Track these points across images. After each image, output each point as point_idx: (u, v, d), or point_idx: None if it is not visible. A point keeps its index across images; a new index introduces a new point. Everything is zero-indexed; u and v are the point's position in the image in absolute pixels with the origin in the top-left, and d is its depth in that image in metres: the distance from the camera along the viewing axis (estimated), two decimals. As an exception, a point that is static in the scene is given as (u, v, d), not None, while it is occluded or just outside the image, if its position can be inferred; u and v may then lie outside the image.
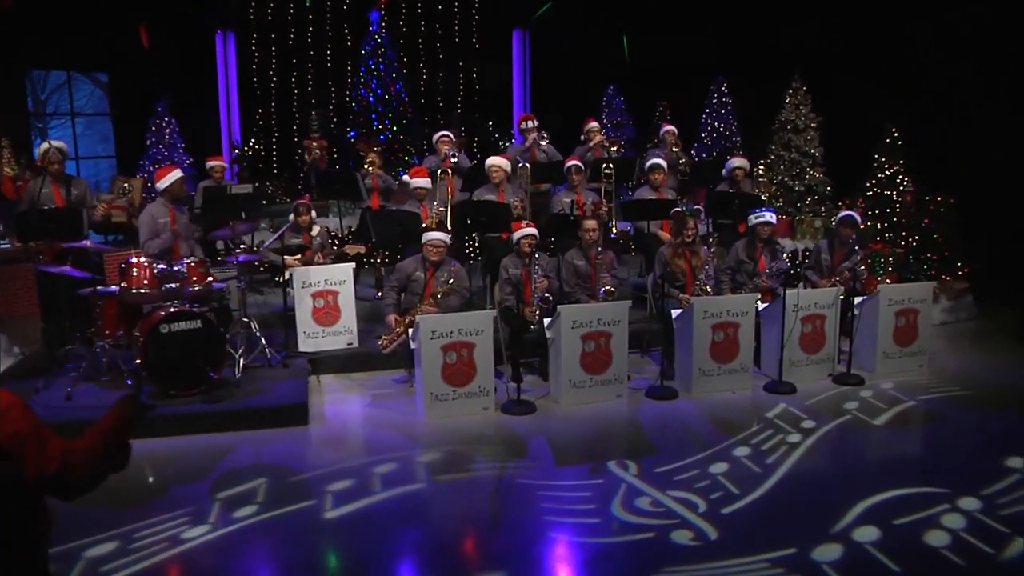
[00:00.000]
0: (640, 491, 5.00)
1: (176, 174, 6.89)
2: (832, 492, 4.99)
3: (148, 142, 11.15)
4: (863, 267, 7.25)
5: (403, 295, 6.92)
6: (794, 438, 5.79)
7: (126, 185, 9.66)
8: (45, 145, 7.34)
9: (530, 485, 5.11)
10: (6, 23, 9.51)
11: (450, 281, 6.73)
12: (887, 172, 8.92)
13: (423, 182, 8.13)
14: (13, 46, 9.86)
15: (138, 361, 6.09)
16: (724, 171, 8.87)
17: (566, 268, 7.28)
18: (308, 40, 12.75)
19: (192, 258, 6.49)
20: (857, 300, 7.19)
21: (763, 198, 8.54)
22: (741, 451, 5.59)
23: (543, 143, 9.11)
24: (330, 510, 4.84)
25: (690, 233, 7.22)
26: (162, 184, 6.85)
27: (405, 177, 8.41)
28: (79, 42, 10.58)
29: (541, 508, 4.81)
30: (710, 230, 9.06)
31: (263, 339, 6.97)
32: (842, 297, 7.11)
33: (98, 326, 6.40)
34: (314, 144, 11.29)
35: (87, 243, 6.27)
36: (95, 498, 4.88)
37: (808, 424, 6.06)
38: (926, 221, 8.69)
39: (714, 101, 11.65)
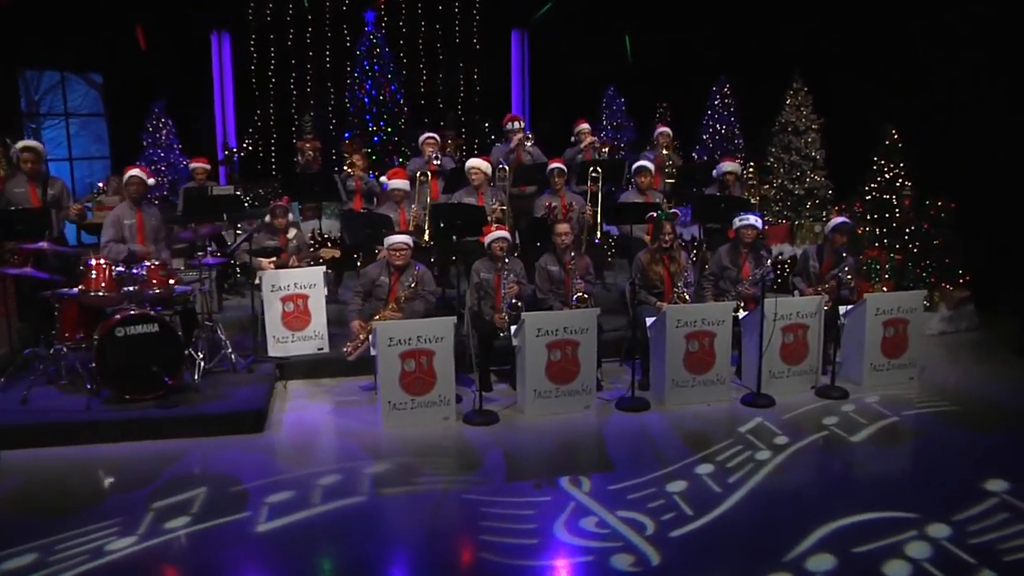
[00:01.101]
0: (588, 510, 4.76)
1: (131, 175, 6.79)
2: (793, 515, 4.71)
3: (144, 143, 11.11)
4: (850, 276, 6.91)
5: (369, 301, 6.76)
6: (763, 455, 5.51)
7: (104, 187, 9.61)
8: (19, 144, 7.28)
9: (474, 501, 4.90)
10: (-1, 23, 9.55)
11: (411, 285, 6.55)
12: (887, 175, 8.55)
13: (400, 184, 7.96)
14: (6, 46, 9.87)
15: (93, 365, 6.00)
16: (715, 174, 8.57)
17: (539, 273, 7.06)
18: (307, 40, 12.65)
19: (152, 261, 6.37)
20: (843, 309, 6.89)
21: (752, 202, 8.21)
22: (704, 468, 5.32)
23: (528, 144, 8.88)
24: (262, 523, 4.67)
25: (667, 238, 6.96)
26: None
27: (383, 179, 8.23)
28: (73, 42, 10.57)
29: (480, 526, 4.60)
30: (701, 235, 8.81)
31: (228, 343, 6.85)
32: (826, 307, 6.81)
33: (57, 328, 6.32)
34: (307, 146, 11.22)
35: (44, 245, 6.16)
36: (22, 506, 4.88)
37: (781, 440, 5.77)
38: (925, 226, 8.33)
39: (716, 102, 11.33)
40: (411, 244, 6.73)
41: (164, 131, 11.13)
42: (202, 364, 6.51)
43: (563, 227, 7.04)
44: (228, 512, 4.79)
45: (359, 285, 6.80)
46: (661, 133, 9.39)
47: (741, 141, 11.27)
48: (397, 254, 6.62)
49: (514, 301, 6.67)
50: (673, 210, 7.32)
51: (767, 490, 5.02)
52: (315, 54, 12.68)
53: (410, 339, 6.02)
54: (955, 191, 8.41)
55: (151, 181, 7.03)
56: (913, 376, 6.90)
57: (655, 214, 7.14)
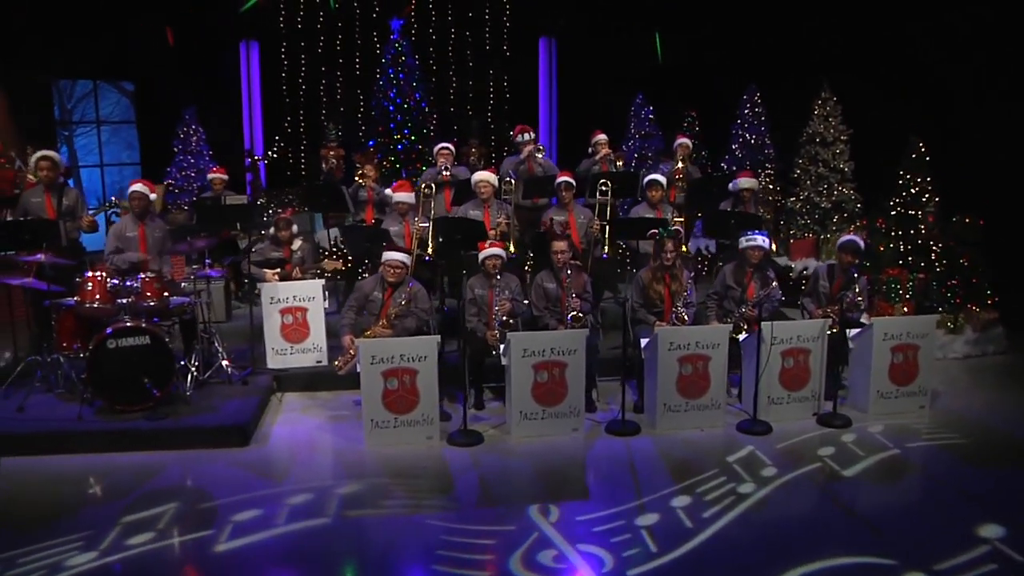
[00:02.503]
0: (550, 542, 4.64)
1: (133, 190, 6.91)
2: (762, 557, 4.50)
3: (175, 149, 11.34)
4: (860, 297, 6.61)
5: (362, 316, 6.74)
6: (746, 488, 5.30)
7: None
8: (37, 154, 7.47)
9: (437, 527, 4.82)
10: (34, 34, 9.83)
11: (403, 302, 6.51)
12: (912, 190, 8.18)
13: (404, 196, 7.91)
14: (41, 56, 10.17)
15: (83, 376, 6.12)
16: (731, 188, 8.32)
17: (535, 291, 6.95)
18: (337, 48, 12.74)
19: (147, 273, 6.47)
20: (851, 333, 6.60)
21: (767, 218, 7.94)
22: (680, 500, 5.14)
23: (539, 156, 8.76)
24: (222, 542, 4.68)
25: (669, 256, 6.78)
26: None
27: (388, 191, 8.21)
28: (105, 52, 10.84)
29: (435, 555, 4.52)
30: (716, 251, 8.57)
31: (224, 355, 6.91)
32: (832, 330, 6.53)
33: (55, 338, 6.46)
34: (331, 153, 11.29)
35: (41, 257, 6.29)
36: (-2, 517, 4.97)
37: (768, 472, 5.54)
38: (951, 243, 7.93)
39: (746, 111, 11.02)
40: (407, 263, 6.69)
41: (195, 138, 11.33)
42: (195, 376, 6.58)
43: (560, 244, 6.91)
44: (192, 529, 4.82)
45: (352, 299, 6.78)
46: (680, 144, 9.17)
47: (772, 151, 10.94)
48: (392, 271, 6.59)
49: (505, 319, 6.58)
50: (676, 227, 7.11)
51: (741, 528, 4.82)
52: (345, 62, 12.76)
53: (393, 357, 5.98)
54: (983, 207, 7.99)
55: (153, 196, 7.13)
56: (924, 405, 6.57)
57: (656, 231, 6.95)
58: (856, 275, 6.84)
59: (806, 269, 9.20)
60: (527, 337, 6.20)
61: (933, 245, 8.01)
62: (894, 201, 8.28)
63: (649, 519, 4.91)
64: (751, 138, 10.95)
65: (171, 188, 11.06)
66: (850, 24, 10.00)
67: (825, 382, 6.56)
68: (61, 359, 6.45)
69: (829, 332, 6.54)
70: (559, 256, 6.85)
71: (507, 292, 6.77)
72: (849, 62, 9.87)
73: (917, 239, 8.12)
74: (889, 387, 6.50)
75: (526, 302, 7.01)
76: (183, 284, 7.20)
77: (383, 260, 6.64)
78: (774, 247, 8.09)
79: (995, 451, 5.88)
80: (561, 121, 13.10)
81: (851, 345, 6.61)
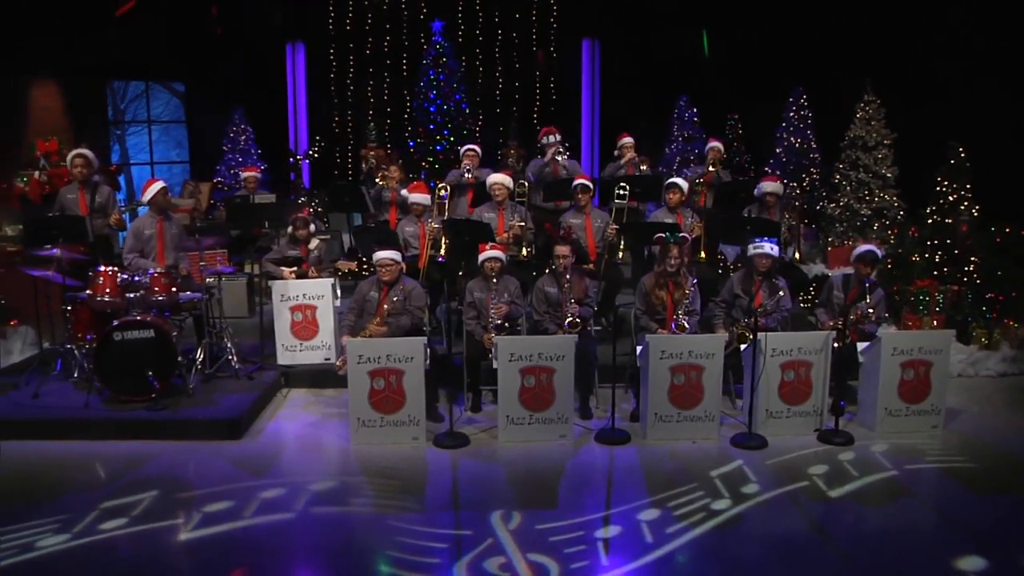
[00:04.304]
0: (501, 550, 4.59)
1: (157, 186, 7.17)
2: None
3: (224, 148, 11.73)
4: (872, 309, 6.31)
5: (363, 317, 6.82)
6: (721, 505, 5.12)
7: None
8: (72, 152, 7.83)
9: (396, 528, 4.83)
10: (88, 36, 10.33)
11: (395, 299, 6.55)
12: (951, 197, 7.75)
13: (420, 198, 7.98)
14: (96, 59, 10.68)
15: (90, 366, 6.39)
16: (756, 193, 8.06)
17: (536, 295, 6.89)
18: (385, 49, 12.93)
19: (158, 269, 6.70)
20: (862, 346, 6.31)
21: (792, 224, 7.65)
22: (648, 514, 5.01)
23: (561, 158, 8.69)
24: (188, 531, 4.81)
25: (673, 262, 6.62)
26: (146, 196, 7.16)
27: (404, 192, 8.29)
28: (158, 54, 11.30)
29: (384, 556, 4.54)
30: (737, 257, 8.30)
31: (232, 350, 7.10)
32: (840, 343, 6.25)
33: (70, 330, 6.77)
34: (371, 153, 11.46)
35: (56, 251, 6.59)
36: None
37: (750, 489, 5.34)
38: (988, 254, 7.48)
39: (791, 114, 10.65)
40: (399, 260, 6.74)
41: (243, 137, 11.69)
42: (199, 369, 6.79)
43: (563, 249, 6.83)
44: (163, 518, 4.97)
45: (353, 301, 6.87)
46: (711, 148, 8.95)
47: (817, 155, 10.55)
48: (384, 269, 6.64)
49: (500, 322, 6.56)
50: (683, 234, 6.93)
51: (701, 547, 4.65)
52: (392, 63, 12.94)
53: (379, 357, 6.03)
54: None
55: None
56: (937, 424, 6.22)
57: (663, 235, 6.80)
58: (869, 286, 6.53)
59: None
60: (514, 341, 6.16)
61: (970, 256, 7.56)
62: (930, 209, 7.87)
63: (610, 531, 4.81)
64: (796, 142, 10.58)
65: (219, 186, 11.45)
66: (896, 23, 9.54)
67: (832, 397, 6.30)
68: (75, 349, 6.74)
69: (838, 345, 6.27)
70: (561, 260, 6.78)
71: (505, 295, 6.75)
72: (894, 63, 9.42)
73: (953, 249, 7.68)
74: (898, 405, 6.17)
75: (528, 308, 6.97)
76: (208, 280, 7.42)
77: (375, 259, 6.71)
78: (797, 255, 7.77)
79: (1003, 478, 5.51)
80: (603, 123, 12.95)
81: (861, 359, 6.32)
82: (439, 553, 4.57)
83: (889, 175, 9.07)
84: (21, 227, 7.87)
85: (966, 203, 7.75)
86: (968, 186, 7.76)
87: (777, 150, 10.77)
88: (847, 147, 9.26)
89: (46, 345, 7.18)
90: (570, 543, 4.66)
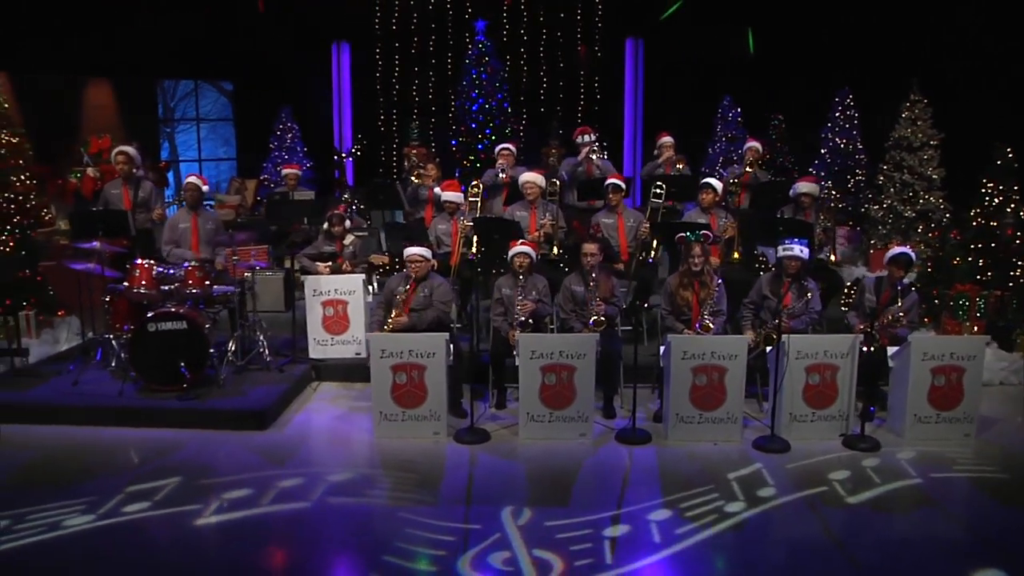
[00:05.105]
0: (507, 545, 4.62)
1: (186, 182, 7.38)
2: (721, 577, 4.32)
3: (271, 146, 11.99)
4: (903, 313, 6.15)
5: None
6: (734, 507, 5.05)
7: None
8: (116, 149, 8.12)
9: (406, 520, 4.90)
10: (140, 37, 10.69)
11: (422, 295, 6.62)
12: (996, 200, 7.51)
13: (452, 196, 8.04)
14: (148, 59, 11.03)
15: (125, 355, 6.61)
16: (791, 194, 7.92)
17: (563, 294, 6.89)
18: (431, 48, 13.06)
19: (192, 262, 6.90)
20: (892, 351, 6.16)
21: (828, 225, 7.50)
22: (659, 514, 4.98)
23: (594, 157, 8.66)
24: (206, 517, 4.95)
25: (697, 261, 6.55)
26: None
27: (437, 190, 8.36)
28: (206, 53, 11.60)
29: (392, 547, 4.60)
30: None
31: (264, 343, 7.25)
32: (863, 348, 6.10)
33: (108, 321, 7.01)
34: (413, 152, 11.58)
35: (96, 244, 6.83)
36: (24, 477, 5.45)
37: (766, 492, 5.26)
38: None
39: (836, 114, 10.43)
40: (428, 256, 6.81)
41: (290, 135, 11.94)
42: (231, 361, 6.96)
43: (590, 247, 6.81)
44: (184, 503, 5.12)
45: (381, 296, 6.96)
46: (749, 148, 8.83)
47: (863, 156, 10.31)
48: (413, 265, 6.72)
49: (525, 318, 6.58)
50: (706, 233, 6.84)
51: (706, 550, 4.60)
52: (436, 62, 13.07)
53: (402, 352, 6.11)
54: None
55: (205, 188, 7.59)
56: (970, 433, 6.03)
57: (685, 235, 6.74)
58: (902, 289, 6.37)
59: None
60: (535, 338, 6.17)
61: (1014, 260, 7.31)
62: (974, 211, 7.63)
63: (619, 530, 4.79)
64: (841, 142, 10.35)
65: (265, 183, 11.70)
66: (945, 20, 9.27)
67: (861, 402, 6.17)
68: (113, 339, 6.97)
69: (867, 349, 6.14)
70: (588, 259, 6.77)
71: (533, 292, 6.76)
72: (943, 61, 9.15)
73: (998, 253, 7.44)
74: (928, 411, 6.00)
75: (555, 307, 6.97)
76: (247, 275, 7.59)
77: (405, 255, 6.79)
78: (833, 257, 7.61)
79: (1032, 490, 5.33)
80: (647, 123, 12.86)
81: (891, 364, 6.17)
82: (446, 545, 4.61)
83: (935, 176, 8.83)
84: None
85: (1012, 205, 7.48)
86: (1016, 188, 7.49)
87: (822, 151, 10.55)
88: (891, 148, 9.03)
89: (89, 335, 7.45)
90: (576, 540, 4.66)
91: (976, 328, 7.17)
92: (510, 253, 6.84)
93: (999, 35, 8.85)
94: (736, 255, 7.82)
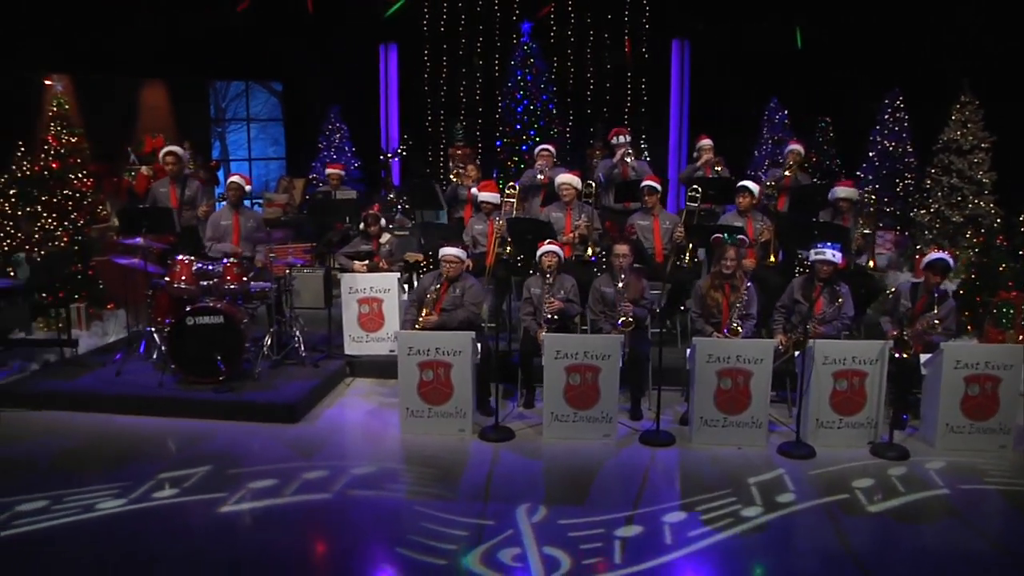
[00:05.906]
0: (518, 541, 4.66)
1: (229, 181, 7.60)
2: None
3: (320, 145, 12.24)
4: (937, 320, 6.00)
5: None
6: (751, 512, 5.01)
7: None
8: (164, 149, 8.41)
9: (422, 514, 4.98)
10: (193, 40, 11.03)
11: (454, 295, 6.71)
12: (1046, 206, 7.27)
13: (489, 196, 8.11)
14: (201, 60, 11.38)
15: (163, 348, 6.85)
16: (829, 198, 7.79)
17: (593, 294, 6.90)
18: (478, 50, 13.17)
19: (231, 259, 7.11)
20: (925, 358, 6.02)
21: (866, 232, 7.35)
22: (674, 516, 4.96)
23: (629, 159, 8.64)
24: (230, 504, 5.11)
25: (729, 264, 6.50)
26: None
27: (474, 190, 8.44)
28: (257, 55, 11.90)
29: (406, 539, 4.68)
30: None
31: (299, 338, 7.42)
32: (896, 354, 5.97)
33: (150, 314, 7.27)
34: (458, 152, 11.70)
35: (140, 240, 7.09)
36: (64, 462, 5.70)
37: (785, 498, 5.20)
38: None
39: (886, 116, 10.19)
40: (463, 257, 6.88)
41: (338, 135, 12.18)
42: (266, 355, 7.14)
43: (622, 247, 6.82)
44: (212, 490, 5.30)
45: (414, 294, 7.07)
46: (791, 151, 8.70)
47: (913, 160, 10.06)
48: (448, 265, 6.80)
49: (552, 317, 6.61)
50: (741, 236, 6.78)
51: (717, 554, 4.57)
52: (483, 63, 13.17)
53: (429, 350, 6.20)
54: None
55: (248, 187, 7.80)
56: (1006, 444, 5.85)
57: (720, 236, 6.69)
58: (939, 295, 6.22)
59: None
60: (560, 338, 6.20)
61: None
62: (1022, 217, 7.40)
63: (632, 530, 4.80)
64: (890, 145, 10.12)
65: (313, 182, 11.96)
66: (998, 20, 9.00)
67: (892, 410, 6.05)
68: (154, 332, 7.23)
69: (900, 355, 6.01)
70: (620, 260, 6.77)
71: (561, 292, 6.79)
72: (996, 61, 8.88)
73: (1047, 259, 7.21)
74: (961, 421, 5.85)
75: (582, 308, 6.98)
76: (287, 271, 7.78)
77: (440, 255, 6.88)
78: (871, 263, 7.46)
79: (1070, 505, 5.15)
80: (692, 125, 12.75)
81: (924, 371, 6.03)
82: (458, 541, 4.68)
83: (986, 180, 8.56)
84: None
85: (1062, 211, 7.25)
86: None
87: (871, 153, 10.33)
88: (940, 151, 8.79)
89: (134, 328, 7.73)
90: (588, 539, 4.68)
91: (1021, 337, 6.95)
92: (538, 252, 6.89)
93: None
94: (772, 259, 7.72)
